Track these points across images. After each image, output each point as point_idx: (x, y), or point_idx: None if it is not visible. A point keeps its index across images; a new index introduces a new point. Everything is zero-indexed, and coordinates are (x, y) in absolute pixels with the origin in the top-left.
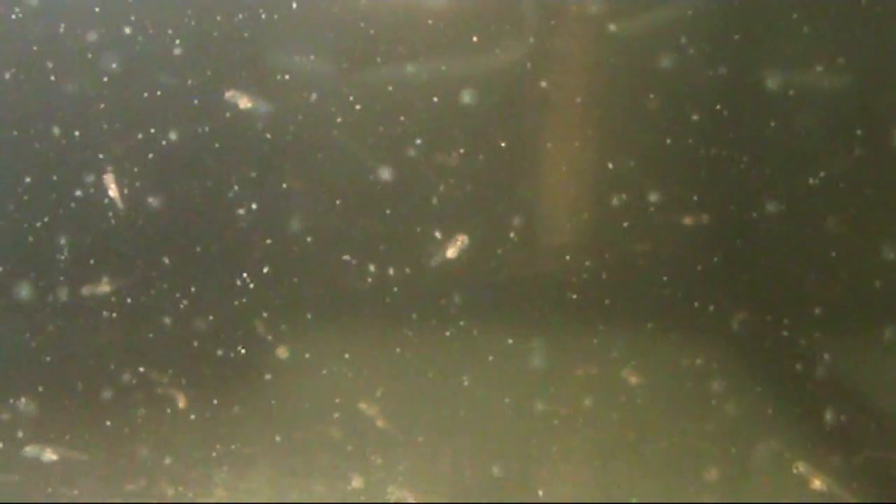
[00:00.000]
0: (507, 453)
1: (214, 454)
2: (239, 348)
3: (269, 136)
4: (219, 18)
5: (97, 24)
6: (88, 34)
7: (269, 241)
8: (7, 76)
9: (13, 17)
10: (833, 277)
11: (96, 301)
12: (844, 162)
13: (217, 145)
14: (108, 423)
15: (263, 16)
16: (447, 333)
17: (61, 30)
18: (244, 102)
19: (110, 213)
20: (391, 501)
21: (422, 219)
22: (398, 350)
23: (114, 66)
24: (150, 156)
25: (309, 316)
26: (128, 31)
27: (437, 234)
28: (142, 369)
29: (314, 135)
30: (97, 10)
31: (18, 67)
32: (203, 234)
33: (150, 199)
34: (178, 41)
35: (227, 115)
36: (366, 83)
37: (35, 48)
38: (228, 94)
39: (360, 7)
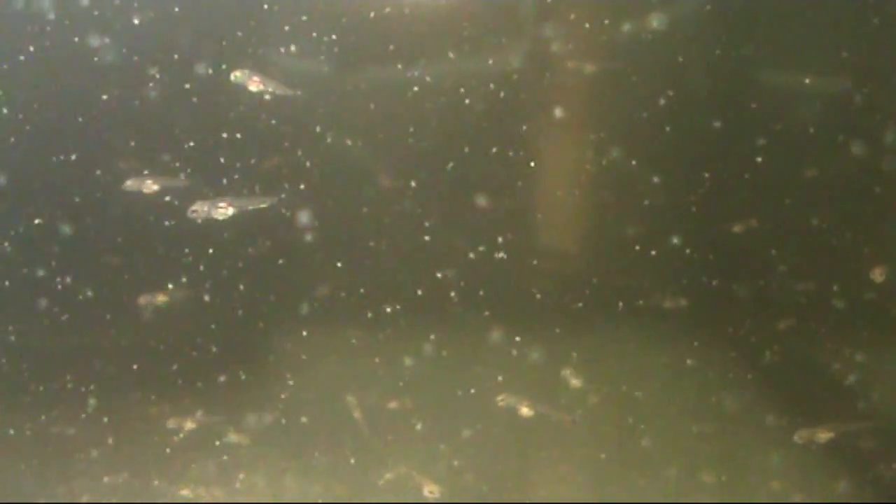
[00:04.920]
0: (506, 454)
1: (213, 454)
2: (238, 349)
3: (271, 136)
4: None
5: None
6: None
7: (267, 243)
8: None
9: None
10: (833, 279)
11: (91, 301)
12: (844, 165)
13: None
14: (107, 423)
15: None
16: (446, 335)
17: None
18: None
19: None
20: (388, 501)
21: (423, 218)
22: (396, 352)
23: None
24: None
25: (308, 317)
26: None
27: (439, 234)
28: (141, 370)
29: (316, 135)
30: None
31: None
32: (199, 237)
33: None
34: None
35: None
36: (369, 83)
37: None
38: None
39: (360, 6)
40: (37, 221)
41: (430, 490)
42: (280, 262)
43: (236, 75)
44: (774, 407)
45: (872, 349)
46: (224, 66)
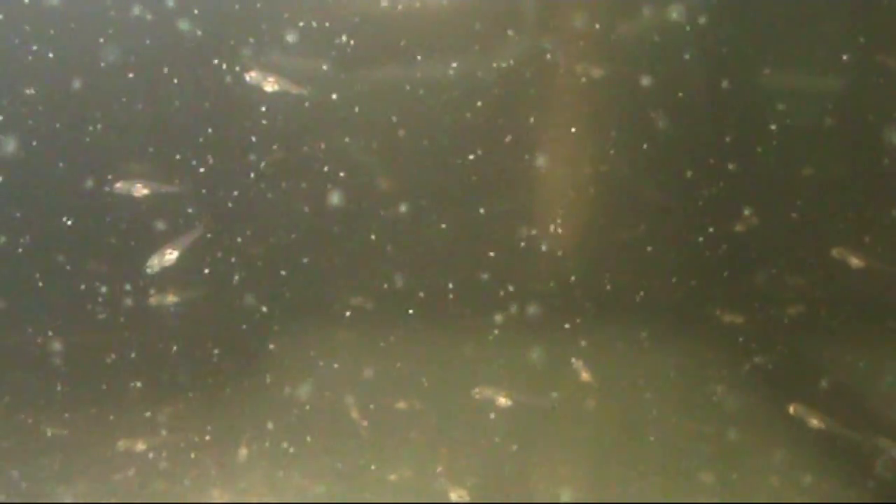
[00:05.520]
0: (505, 454)
1: (212, 455)
2: (238, 349)
3: (273, 137)
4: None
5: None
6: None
7: (271, 243)
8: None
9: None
10: (833, 279)
11: (88, 299)
12: (843, 165)
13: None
14: (105, 423)
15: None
16: (444, 336)
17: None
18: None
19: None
20: (384, 501)
21: (423, 218)
22: (394, 354)
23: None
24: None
25: (308, 318)
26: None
27: (440, 235)
28: (140, 369)
29: (317, 137)
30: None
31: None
32: (203, 238)
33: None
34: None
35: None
36: (374, 83)
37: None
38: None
39: (363, 7)
40: (67, 221)
41: (458, 494)
42: (285, 262)
43: (252, 75)
44: (775, 406)
45: (874, 350)
46: (238, 68)
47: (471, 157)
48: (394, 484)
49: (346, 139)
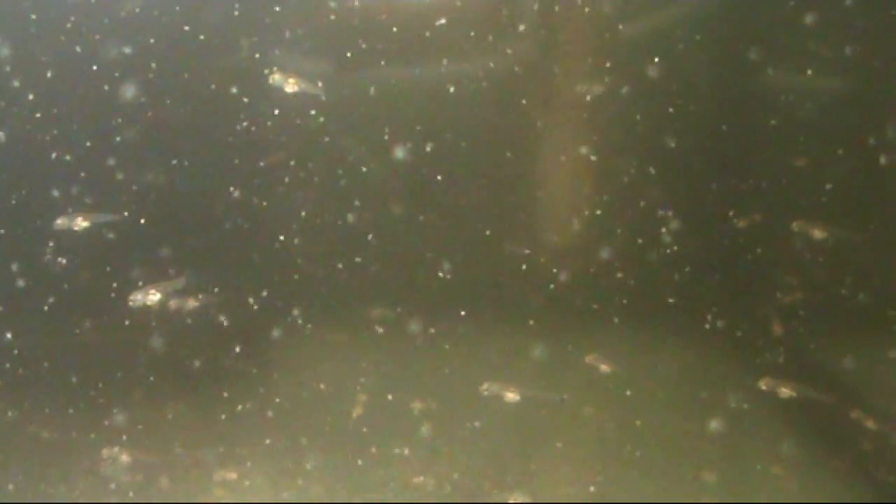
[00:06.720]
0: (504, 454)
1: (213, 454)
2: (239, 349)
3: (272, 137)
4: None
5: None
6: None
7: (267, 243)
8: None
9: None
10: (833, 280)
11: (86, 302)
12: (844, 165)
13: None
14: (107, 423)
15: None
16: (445, 336)
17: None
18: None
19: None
20: (384, 501)
21: (423, 217)
22: (394, 354)
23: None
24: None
25: (308, 318)
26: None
27: (439, 235)
28: (140, 370)
29: (317, 136)
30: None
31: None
32: (199, 236)
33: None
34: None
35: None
36: (373, 84)
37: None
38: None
39: (365, 8)
40: (69, 219)
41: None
42: (289, 263)
43: (275, 78)
44: (777, 407)
45: (874, 349)
46: (256, 69)
47: (487, 155)
48: (411, 487)
49: (365, 137)
